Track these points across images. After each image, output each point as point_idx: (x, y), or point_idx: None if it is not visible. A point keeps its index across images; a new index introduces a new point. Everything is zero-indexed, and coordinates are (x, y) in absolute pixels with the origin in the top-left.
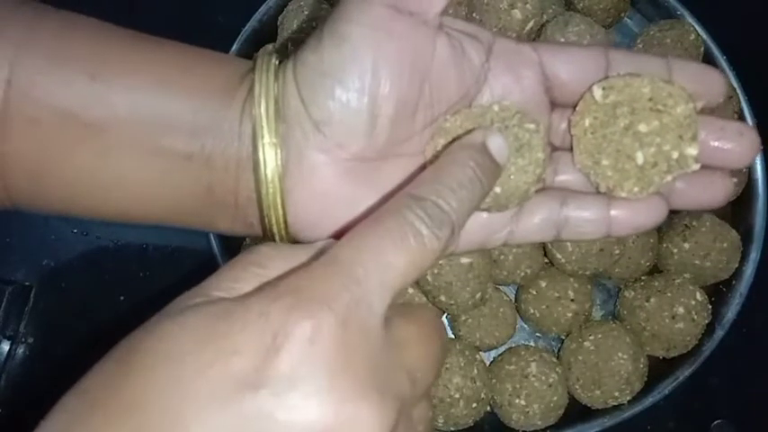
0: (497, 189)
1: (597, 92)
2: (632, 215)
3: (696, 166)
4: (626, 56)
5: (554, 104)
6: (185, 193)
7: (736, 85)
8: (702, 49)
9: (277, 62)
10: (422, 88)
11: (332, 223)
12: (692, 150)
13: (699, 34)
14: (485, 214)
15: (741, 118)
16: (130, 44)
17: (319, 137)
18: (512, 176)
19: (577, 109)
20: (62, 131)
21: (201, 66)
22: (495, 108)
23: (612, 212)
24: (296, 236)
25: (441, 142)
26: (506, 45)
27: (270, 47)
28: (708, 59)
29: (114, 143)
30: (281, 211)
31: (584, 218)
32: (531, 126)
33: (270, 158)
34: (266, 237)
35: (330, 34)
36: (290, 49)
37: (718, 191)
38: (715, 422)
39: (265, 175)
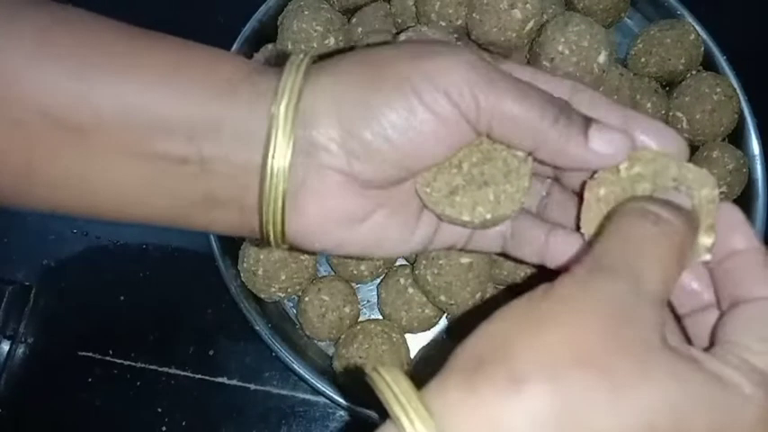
0: (488, 215)
1: (622, 164)
2: None
3: (707, 257)
4: (591, 98)
5: None
6: (180, 197)
7: (736, 85)
8: (702, 48)
9: (302, 80)
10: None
11: (333, 238)
12: (707, 240)
13: (699, 34)
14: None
15: (741, 118)
16: (117, 40)
17: (343, 164)
18: (501, 203)
19: (597, 175)
20: (46, 133)
21: (197, 64)
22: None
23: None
24: (296, 245)
25: (434, 170)
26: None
27: (269, 46)
28: (708, 59)
29: (100, 147)
30: (279, 224)
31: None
32: (520, 154)
33: (280, 178)
34: (263, 240)
35: (401, 97)
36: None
37: None
38: None
39: (270, 194)
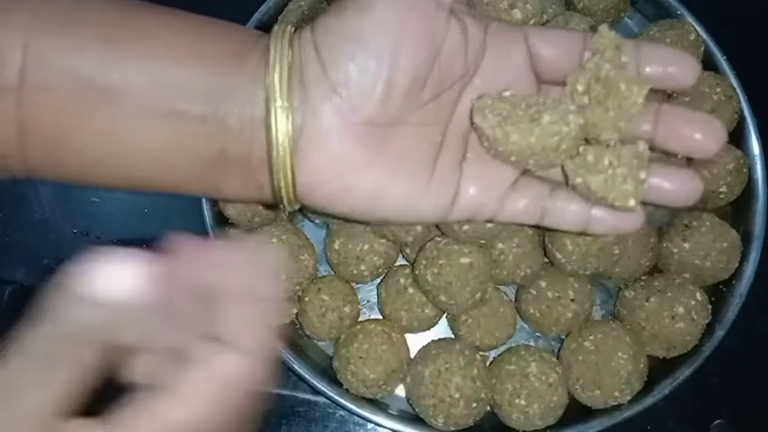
0: (532, 139)
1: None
2: (612, 218)
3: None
4: None
5: (539, 80)
6: (198, 156)
7: (736, 85)
8: (702, 48)
9: (293, 30)
10: (434, 64)
11: (339, 185)
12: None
13: (699, 34)
14: (473, 188)
15: (741, 118)
16: (142, 11)
17: (335, 99)
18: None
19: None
20: (77, 96)
21: (213, 32)
22: (507, 93)
23: (593, 211)
24: (303, 197)
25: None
26: (499, 25)
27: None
28: (708, 59)
29: (129, 107)
30: (289, 174)
31: (569, 209)
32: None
33: (281, 121)
34: (275, 199)
35: (354, 2)
36: (296, 20)
37: (690, 188)
38: (715, 422)
39: (276, 138)
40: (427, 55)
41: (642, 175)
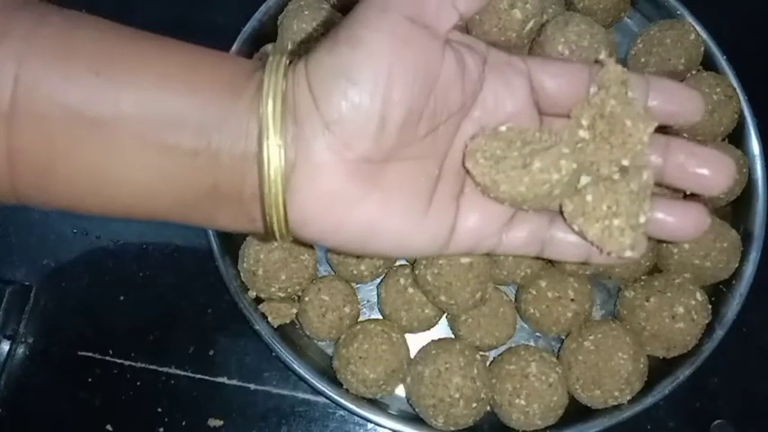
0: (522, 188)
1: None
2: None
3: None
4: None
5: (541, 113)
6: (190, 189)
7: (736, 85)
8: (702, 48)
9: (287, 62)
10: (429, 97)
11: (331, 221)
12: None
13: (699, 34)
14: (470, 222)
15: (741, 118)
16: (134, 41)
17: (328, 136)
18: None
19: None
20: (68, 127)
21: (206, 64)
22: (504, 128)
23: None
24: (295, 232)
25: (480, 160)
26: (499, 56)
27: (269, 46)
28: (708, 59)
29: (120, 139)
30: (282, 210)
31: (569, 241)
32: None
33: (274, 157)
34: (267, 233)
35: (347, 37)
36: (292, 49)
37: (694, 222)
38: (715, 422)
39: (268, 174)
40: (422, 88)
41: (642, 219)
